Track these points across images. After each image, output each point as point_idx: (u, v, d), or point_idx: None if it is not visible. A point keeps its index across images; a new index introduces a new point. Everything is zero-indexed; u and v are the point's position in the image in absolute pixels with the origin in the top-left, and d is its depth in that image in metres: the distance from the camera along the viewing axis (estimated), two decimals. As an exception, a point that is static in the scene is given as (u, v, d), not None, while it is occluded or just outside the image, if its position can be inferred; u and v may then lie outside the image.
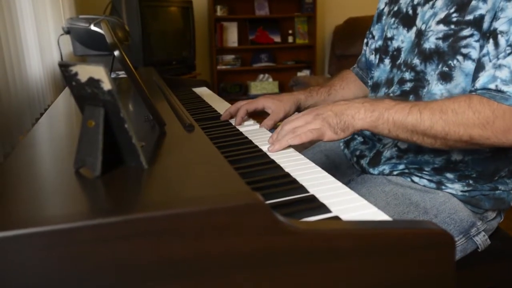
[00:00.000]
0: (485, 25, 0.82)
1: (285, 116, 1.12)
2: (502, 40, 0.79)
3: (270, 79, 4.28)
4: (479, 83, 0.80)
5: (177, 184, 0.55)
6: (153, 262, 0.45)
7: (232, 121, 1.12)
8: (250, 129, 1.05)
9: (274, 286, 0.48)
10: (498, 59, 0.79)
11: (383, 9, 1.11)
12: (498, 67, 0.78)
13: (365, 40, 1.22)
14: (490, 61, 0.80)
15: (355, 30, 3.67)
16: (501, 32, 0.79)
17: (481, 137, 0.77)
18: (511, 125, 0.76)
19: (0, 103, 1.13)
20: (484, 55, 0.81)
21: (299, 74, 4.25)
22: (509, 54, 0.77)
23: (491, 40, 0.80)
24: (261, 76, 4.28)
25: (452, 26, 0.86)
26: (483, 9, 0.82)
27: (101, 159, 0.55)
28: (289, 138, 0.85)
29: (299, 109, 1.18)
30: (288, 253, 0.48)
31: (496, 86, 0.77)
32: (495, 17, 0.80)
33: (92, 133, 0.55)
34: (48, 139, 0.79)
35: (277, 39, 4.25)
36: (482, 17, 0.82)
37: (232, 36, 4.12)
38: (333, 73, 3.74)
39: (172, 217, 0.45)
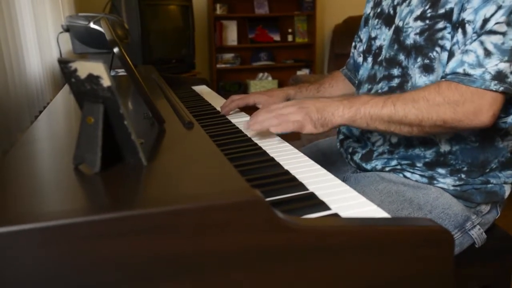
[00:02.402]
0: (454, 16, 0.87)
1: None
2: (469, 28, 0.83)
3: (270, 78, 4.28)
4: (448, 69, 0.84)
5: (176, 181, 0.55)
6: (152, 259, 0.45)
7: (232, 119, 1.12)
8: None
9: (273, 283, 0.48)
10: (465, 45, 0.83)
11: (369, 13, 1.16)
12: (465, 52, 0.83)
13: (353, 44, 1.28)
14: (459, 48, 0.85)
15: (354, 29, 3.64)
16: (468, 21, 0.84)
17: (453, 120, 0.82)
18: (481, 106, 0.80)
19: (0, 101, 1.13)
20: (454, 44, 0.86)
21: (298, 73, 4.24)
22: (474, 40, 0.82)
23: (459, 30, 0.85)
24: (260, 74, 4.28)
25: (427, 21, 0.91)
26: (452, 2, 0.87)
27: (100, 155, 0.55)
28: (271, 124, 0.90)
29: None
30: (287, 250, 0.48)
31: (464, 70, 0.82)
32: (462, 8, 0.85)
33: (91, 130, 0.55)
34: (47, 136, 0.79)
35: (277, 37, 4.24)
36: (452, 10, 0.87)
37: (231, 35, 4.11)
38: (332, 72, 3.75)
39: (172, 213, 0.45)
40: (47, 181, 0.57)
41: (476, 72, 0.80)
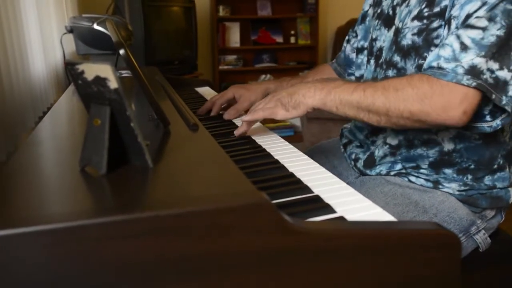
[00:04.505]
0: (446, 14, 0.86)
1: (249, 105, 1.17)
2: (453, 24, 0.83)
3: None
4: (426, 63, 0.83)
5: (182, 183, 0.55)
6: (159, 261, 0.45)
7: (235, 121, 1.12)
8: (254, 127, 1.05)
9: (280, 285, 0.48)
10: (445, 39, 0.82)
11: (367, 10, 1.15)
12: (442, 46, 0.81)
13: (347, 38, 1.26)
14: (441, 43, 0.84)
15: (357, 31, 3.65)
16: (454, 17, 0.83)
17: (421, 112, 0.79)
18: (450, 101, 0.77)
19: (4, 102, 1.13)
20: (441, 40, 0.86)
21: (300, 74, 4.24)
22: (453, 34, 0.81)
23: (446, 26, 0.85)
24: (262, 76, 4.28)
25: (424, 21, 0.90)
26: (446, 0, 0.86)
27: (106, 157, 0.55)
28: (243, 119, 0.94)
29: None
30: (294, 252, 0.48)
31: (438, 63, 0.80)
32: (452, 5, 0.84)
33: (97, 132, 0.55)
34: (52, 138, 0.79)
35: (279, 39, 4.24)
36: (446, 7, 0.86)
37: (234, 36, 4.11)
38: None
39: (178, 216, 0.45)
40: (53, 183, 0.57)
41: (449, 65, 0.78)
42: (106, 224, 0.44)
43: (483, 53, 0.76)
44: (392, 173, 0.98)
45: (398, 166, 0.97)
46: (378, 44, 1.04)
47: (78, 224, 0.43)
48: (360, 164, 1.04)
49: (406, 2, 0.96)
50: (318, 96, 0.87)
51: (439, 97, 0.78)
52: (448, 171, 0.93)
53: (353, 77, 1.19)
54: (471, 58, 0.77)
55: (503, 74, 0.77)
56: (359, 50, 1.14)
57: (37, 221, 0.43)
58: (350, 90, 0.85)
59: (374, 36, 1.06)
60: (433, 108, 0.78)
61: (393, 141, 0.97)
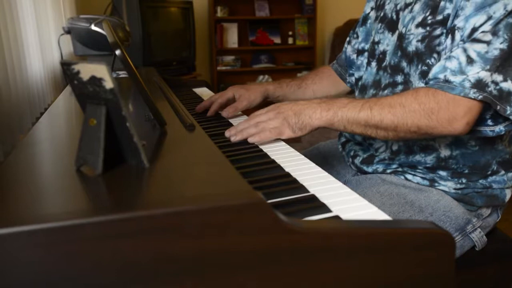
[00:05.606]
0: (449, 23, 0.87)
1: (248, 104, 1.18)
2: (457, 35, 0.84)
3: (270, 80, 4.28)
4: (431, 74, 0.85)
5: (178, 182, 0.55)
6: (154, 260, 0.45)
7: (232, 121, 1.13)
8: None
9: (275, 285, 0.48)
10: (451, 51, 0.84)
11: (369, 13, 1.16)
12: (449, 58, 0.83)
13: (348, 39, 1.27)
14: (445, 54, 0.85)
15: (355, 31, 3.65)
16: (458, 28, 0.84)
17: (428, 127, 0.82)
18: (456, 114, 0.80)
19: (1, 102, 1.13)
20: (443, 49, 0.87)
21: (299, 75, 4.24)
22: (459, 47, 0.82)
23: (449, 36, 0.86)
24: (260, 77, 4.28)
25: (428, 28, 0.91)
26: (449, 8, 0.87)
27: (102, 157, 0.55)
28: (249, 133, 0.91)
29: (266, 99, 1.23)
30: (289, 252, 0.48)
31: (445, 76, 0.82)
32: (456, 15, 0.85)
33: (93, 132, 0.55)
34: (48, 138, 0.79)
35: (277, 40, 4.25)
36: (449, 16, 0.87)
37: (232, 37, 4.12)
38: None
39: (174, 215, 0.45)
40: (49, 183, 0.57)
41: (457, 79, 0.80)
42: (101, 224, 0.44)
43: (488, 66, 0.79)
44: (388, 171, 0.99)
45: (394, 166, 0.99)
46: (381, 47, 1.05)
47: (74, 223, 0.43)
48: (358, 160, 1.05)
49: (410, 7, 0.97)
50: (325, 117, 0.88)
51: (445, 111, 0.81)
52: (443, 173, 0.94)
53: (353, 78, 1.19)
54: (476, 71, 0.79)
55: (507, 85, 0.80)
56: (359, 52, 1.15)
57: (33, 221, 0.43)
58: (356, 109, 0.86)
59: (376, 39, 1.07)
60: (439, 122, 0.81)
61: (394, 146, 0.99)
